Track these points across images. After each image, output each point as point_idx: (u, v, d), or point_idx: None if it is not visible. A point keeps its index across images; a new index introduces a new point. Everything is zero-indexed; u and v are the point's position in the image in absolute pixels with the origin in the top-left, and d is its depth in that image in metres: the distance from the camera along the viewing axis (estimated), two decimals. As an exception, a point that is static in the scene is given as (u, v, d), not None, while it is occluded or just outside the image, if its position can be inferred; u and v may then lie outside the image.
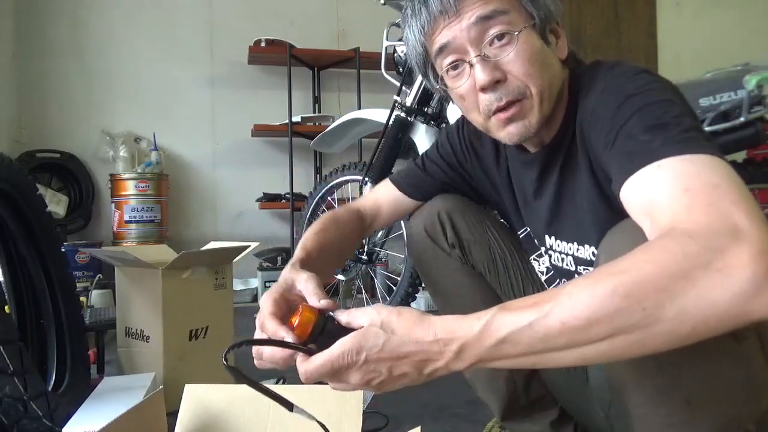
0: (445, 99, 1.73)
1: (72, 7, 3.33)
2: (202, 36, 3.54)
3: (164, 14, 3.48)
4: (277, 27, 3.53)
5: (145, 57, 3.43)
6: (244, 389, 0.62)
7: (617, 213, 0.66)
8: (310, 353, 0.61)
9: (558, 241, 0.89)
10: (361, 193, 2.04)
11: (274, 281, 2.60)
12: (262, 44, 3.36)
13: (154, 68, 3.44)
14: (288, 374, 0.71)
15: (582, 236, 0.85)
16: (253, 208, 3.44)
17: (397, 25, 1.79)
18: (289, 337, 0.62)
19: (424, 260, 1.03)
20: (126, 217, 3.12)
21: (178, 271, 1.44)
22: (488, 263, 1.00)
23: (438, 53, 0.79)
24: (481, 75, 0.75)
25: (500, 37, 0.75)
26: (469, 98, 0.79)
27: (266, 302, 0.68)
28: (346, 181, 2.33)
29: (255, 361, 0.67)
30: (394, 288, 2.21)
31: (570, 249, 0.87)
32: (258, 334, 0.67)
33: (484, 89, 0.76)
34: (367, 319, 0.59)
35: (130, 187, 3.12)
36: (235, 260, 1.63)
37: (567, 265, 0.89)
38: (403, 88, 2.04)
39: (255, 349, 0.66)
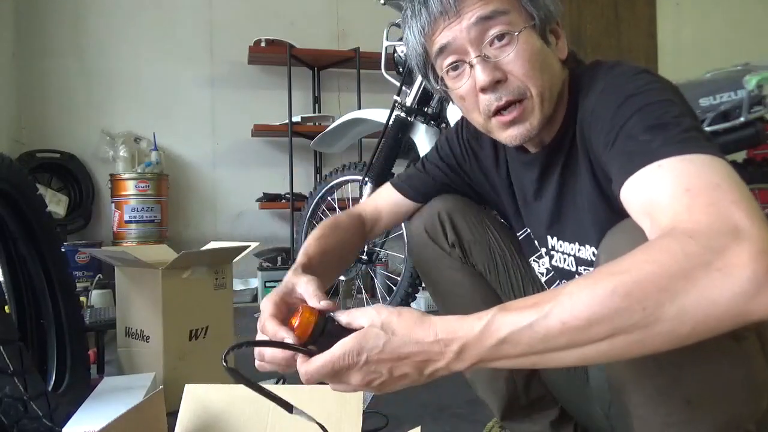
0: (445, 99, 1.74)
1: (72, 7, 3.34)
2: (202, 36, 3.54)
3: (164, 14, 3.48)
4: (277, 27, 3.53)
5: (145, 57, 3.43)
6: (245, 389, 0.62)
7: (617, 213, 0.66)
8: (310, 354, 0.61)
9: (560, 242, 0.89)
10: (361, 193, 2.04)
11: (274, 281, 2.62)
12: (262, 44, 3.36)
13: (154, 68, 3.44)
14: (287, 375, 0.71)
15: (582, 236, 0.85)
16: (253, 208, 3.45)
17: (397, 25, 1.80)
18: (289, 338, 0.62)
19: (424, 260, 1.03)
20: (126, 217, 3.12)
21: (178, 271, 1.44)
22: (488, 263, 1.00)
23: (438, 54, 0.79)
24: (481, 75, 0.75)
25: (500, 37, 0.75)
26: (469, 99, 0.79)
27: (267, 305, 0.68)
28: (346, 181, 2.33)
29: (256, 363, 0.67)
30: (394, 288, 2.21)
31: (572, 249, 0.87)
32: (259, 337, 0.67)
33: (484, 90, 0.76)
34: (367, 320, 0.59)
35: (130, 187, 3.12)
36: (235, 260, 1.63)
37: (568, 265, 0.89)
38: (403, 88, 2.04)
39: (257, 350, 0.66)
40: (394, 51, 2.06)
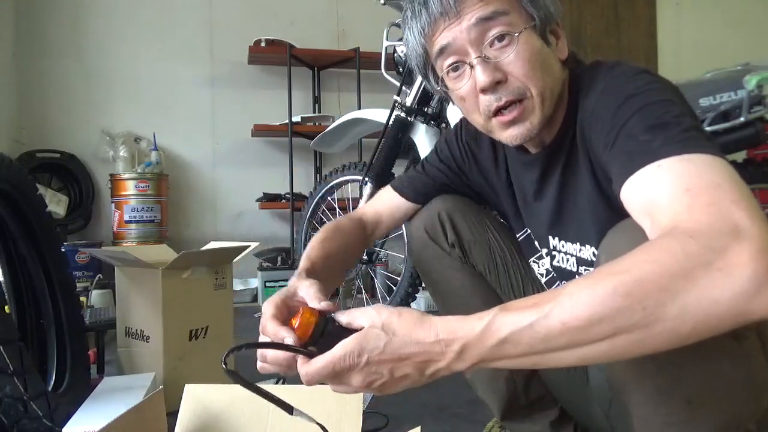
0: (445, 99, 1.74)
1: (72, 7, 3.34)
2: (202, 36, 3.54)
3: (164, 14, 3.48)
4: (277, 27, 3.53)
5: (145, 57, 3.43)
6: (245, 389, 0.62)
7: (617, 213, 0.66)
8: (310, 356, 0.60)
9: (562, 242, 0.89)
10: (360, 193, 2.04)
11: (274, 281, 2.61)
12: (262, 44, 3.36)
13: (154, 68, 3.45)
14: (288, 376, 0.71)
15: (583, 236, 0.85)
16: (253, 208, 3.45)
17: (397, 25, 1.80)
18: (290, 338, 0.62)
19: (424, 260, 1.03)
20: (126, 217, 3.12)
21: (178, 271, 1.44)
22: (488, 263, 1.00)
23: (438, 55, 0.79)
24: (481, 76, 0.75)
25: (500, 38, 0.75)
26: (469, 99, 0.80)
27: (268, 306, 0.69)
28: (346, 181, 2.33)
29: (258, 365, 0.67)
30: (394, 288, 2.21)
31: (574, 249, 0.87)
32: (261, 339, 0.67)
33: (484, 90, 0.76)
34: (367, 320, 0.59)
35: (130, 187, 3.12)
36: (235, 260, 1.63)
37: (570, 266, 0.89)
38: (403, 88, 2.04)
39: (259, 352, 0.66)
40: (394, 51, 2.06)
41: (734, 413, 0.61)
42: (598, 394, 0.91)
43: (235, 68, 3.57)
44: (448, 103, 1.95)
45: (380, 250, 2.44)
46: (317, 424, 0.68)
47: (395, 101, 2.02)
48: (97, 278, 2.51)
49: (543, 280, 0.98)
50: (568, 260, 0.89)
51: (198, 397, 0.97)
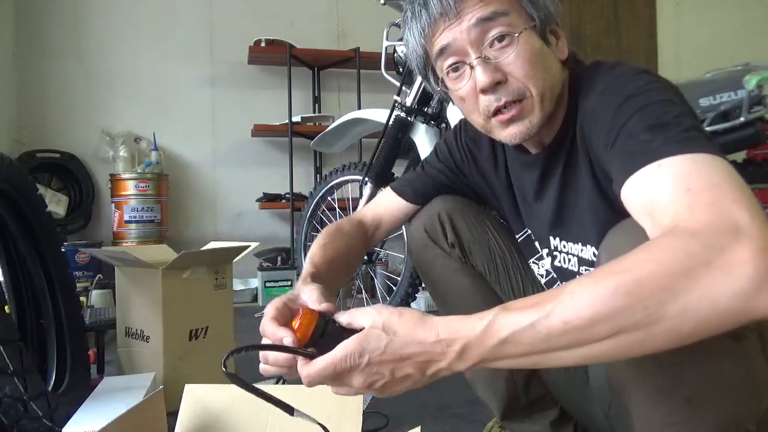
0: (445, 99, 1.74)
1: (72, 7, 3.34)
2: (202, 36, 3.54)
3: (164, 14, 3.48)
4: (277, 27, 3.53)
5: (144, 57, 3.43)
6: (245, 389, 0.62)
7: (618, 213, 0.66)
8: (310, 357, 0.61)
9: (563, 242, 0.89)
10: (360, 193, 2.04)
11: (274, 281, 2.61)
12: (262, 44, 3.37)
13: (154, 68, 3.45)
14: (290, 377, 0.71)
15: (584, 236, 0.85)
16: (253, 208, 3.45)
17: (397, 25, 1.80)
18: (289, 339, 0.62)
19: (424, 260, 1.03)
20: (126, 217, 3.12)
21: (178, 271, 1.44)
22: (488, 263, 1.00)
23: (438, 55, 0.79)
24: (481, 77, 0.75)
25: (500, 38, 0.75)
26: (469, 100, 0.80)
27: (269, 308, 0.69)
28: (346, 181, 2.33)
29: (260, 367, 0.67)
30: (394, 288, 2.21)
31: (575, 249, 0.87)
32: (263, 341, 0.67)
33: (484, 91, 0.76)
34: (368, 320, 0.59)
35: (130, 187, 3.12)
36: (235, 260, 1.63)
37: (572, 266, 0.89)
38: (403, 88, 2.04)
39: (261, 354, 0.66)
40: (394, 51, 2.06)
41: (734, 413, 0.61)
42: (598, 394, 0.91)
43: (235, 68, 3.57)
44: (448, 104, 1.95)
45: (380, 250, 2.44)
46: (318, 424, 0.68)
47: (395, 101, 2.02)
48: (97, 278, 2.51)
49: (543, 280, 0.98)
50: (569, 260, 0.89)
51: (198, 397, 0.97)
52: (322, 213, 2.49)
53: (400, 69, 2.06)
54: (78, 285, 2.05)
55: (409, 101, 1.99)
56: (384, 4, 1.93)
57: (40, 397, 1.07)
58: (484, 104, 0.78)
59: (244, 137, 3.53)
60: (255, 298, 3.20)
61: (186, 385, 0.99)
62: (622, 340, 0.49)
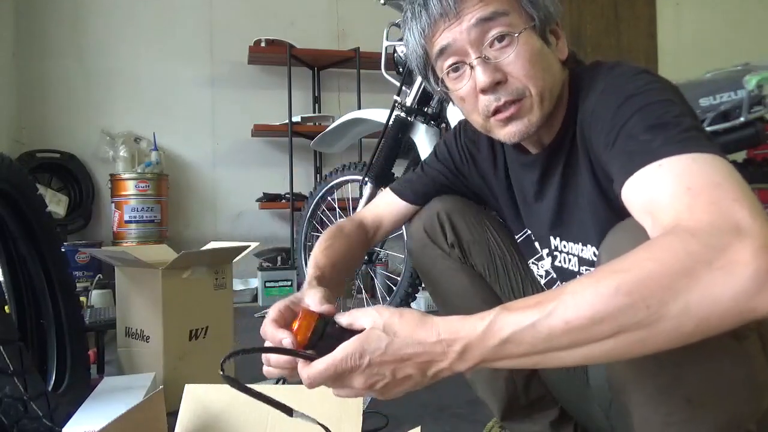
0: (445, 99, 1.74)
1: (72, 7, 3.34)
2: (202, 36, 3.54)
3: (164, 14, 3.48)
4: (277, 27, 3.53)
5: (144, 57, 3.43)
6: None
7: (618, 213, 0.66)
8: (309, 359, 0.61)
9: (564, 242, 0.89)
10: (360, 193, 2.04)
11: (274, 281, 2.61)
12: (262, 44, 3.37)
13: (154, 68, 3.45)
14: (291, 378, 0.71)
15: (584, 236, 0.85)
16: (253, 208, 3.45)
17: (397, 25, 1.80)
18: (289, 340, 0.62)
19: (423, 261, 1.03)
20: (126, 217, 3.12)
21: (178, 271, 1.44)
22: (488, 263, 1.00)
23: (438, 55, 0.80)
24: (481, 77, 0.75)
25: (500, 38, 0.75)
26: (469, 100, 0.80)
27: (271, 310, 0.69)
28: (346, 181, 2.33)
29: (264, 369, 0.67)
30: (394, 288, 2.21)
31: (576, 249, 0.87)
32: (266, 343, 0.67)
33: (484, 90, 0.76)
34: (368, 321, 0.59)
35: (130, 187, 3.12)
36: (235, 260, 1.63)
37: (572, 266, 0.89)
38: (403, 88, 2.04)
39: (264, 357, 0.66)
40: (394, 51, 2.06)
41: (735, 413, 0.61)
42: (598, 394, 0.91)
43: (235, 68, 3.57)
44: (448, 104, 1.95)
45: (380, 250, 2.44)
46: (319, 424, 0.68)
47: (395, 101, 2.02)
48: (97, 278, 2.51)
49: (542, 281, 0.98)
50: (570, 260, 0.89)
51: (198, 397, 0.97)
52: (322, 213, 2.49)
53: (400, 69, 2.06)
54: (78, 285, 2.05)
55: (409, 101, 1.99)
56: (384, 4, 1.93)
57: (40, 397, 1.07)
58: (483, 104, 0.78)
59: (244, 137, 3.54)
60: (255, 298, 3.20)
61: (186, 385, 0.99)
62: (624, 339, 0.49)
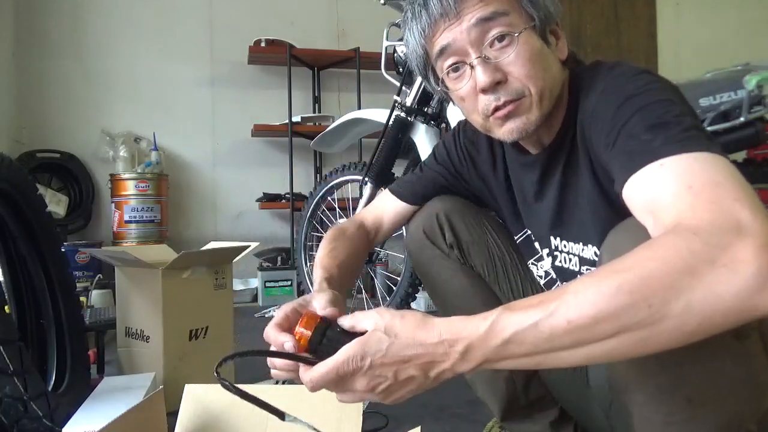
0: (445, 99, 1.74)
1: (72, 7, 3.34)
2: (202, 36, 3.54)
3: (164, 14, 3.48)
4: (277, 27, 3.53)
5: (145, 57, 3.44)
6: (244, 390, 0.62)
7: (618, 213, 0.66)
8: (309, 363, 0.61)
9: (564, 242, 0.89)
10: (360, 193, 2.04)
11: (274, 281, 2.61)
12: (262, 44, 3.37)
13: (154, 68, 3.45)
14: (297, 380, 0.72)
15: (585, 236, 0.85)
16: (253, 208, 3.45)
17: (397, 25, 1.80)
18: (290, 343, 0.63)
19: (422, 262, 1.03)
20: (126, 217, 3.12)
21: (178, 271, 1.44)
22: (487, 264, 1.00)
23: (438, 55, 0.80)
24: (481, 76, 0.75)
25: (501, 38, 0.75)
26: (469, 100, 0.80)
27: (277, 313, 0.69)
28: (346, 181, 2.33)
29: (272, 372, 0.67)
30: (394, 288, 2.21)
31: (576, 249, 0.87)
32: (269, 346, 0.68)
33: (484, 90, 0.76)
34: (370, 323, 0.60)
35: (130, 187, 3.12)
36: (235, 260, 1.63)
37: (573, 265, 0.89)
38: (403, 88, 2.04)
39: (269, 360, 0.66)
40: (394, 51, 2.06)
41: (735, 413, 0.61)
42: (598, 394, 0.91)
43: (235, 68, 3.57)
44: (448, 104, 1.95)
45: (380, 250, 2.45)
46: (313, 429, 0.68)
47: (395, 101, 2.02)
48: (97, 278, 2.51)
49: (542, 282, 0.98)
50: (570, 260, 0.89)
51: (198, 397, 0.97)
52: (322, 213, 2.49)
53: (400, 69, 2.06)
54: (78, 285, 2.05)
55: (409, 101, 1.99)
56: (384, 4, 1.93)
57: (40, 397, 1.07)
58: (483, 104, 0.78)
59: (244, 137, 3.54)
60: (255, 298, 3.20)
61: (186, 385, 0.99)
62: (626, 339, 0.49)
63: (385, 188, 1.13)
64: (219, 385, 0.61)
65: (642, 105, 0.65)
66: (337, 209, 2.45)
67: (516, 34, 0.75)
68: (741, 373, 0.60)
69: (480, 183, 1.01)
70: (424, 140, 2.04)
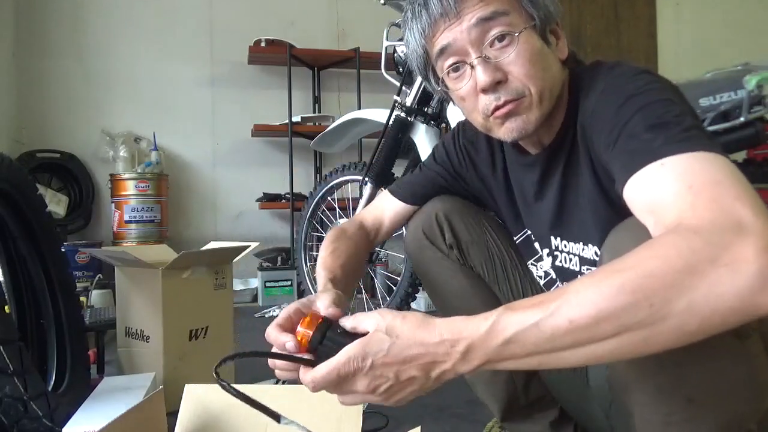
0: (446, 99, 1.74)
1: (72, 7, 3.34)
2: (202, 36, 3.54)
3: (164, 14, 3.48)
4: (277, 27, 3.53)
5: (145, 57, 3.44)
6: (244, 391, 0.62)
7: (619, 212, 0.66)
8: (310, 364, 0.61)
9: (564, 242, 0.89)
10: (360, 193, 2.04)
11: (274, 281, 2.62)
12: (262, 44, 3.37)
13: (154, 68, 3.45)
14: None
15: (585, 236, 0.85)
16: (253, 208, 3.45)
17: (397, 25, 1.80)
18: (292, 344, 0.63)
19: (422, 262, 1.03)
20: (126, 217, 3.12)
21: (178, 271, 1.44)
22: (486, 264, 1.00)
23: (439, 55, 0.80)
24: (482, 76, 0.75)
25: (501, 38, 0.75)
26: (469, 99, 0.80)
27: (280, 314, 0.69)
28: (346, 181, 2.33)
29: (276, 372, 0.67)
30: (394, 288, 2.21)
31: (577, 249, 0.87)
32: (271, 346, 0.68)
33: (485, 90, 0.76)
34: (372, 324, 0.60)
35: (130, 187, 3.12)
36: (235, 260, 1.63)
37: (573, 265, 0.89)
38: (403, 88, 2.04)
39: (270, 360, 0.66)
40: (394, 51, 2.06)
41: (736, 413, 0.61)
42: (598, 394, 0.91)
43: (235, 68, 3.57)
44: (448, 103, 1.95)
45: (380, 250, 2.44)
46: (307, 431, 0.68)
47: (395, 101, 2.02)
48: (97, 278, 2.51)
49: (542, 282, 0.98)
50: (570, 260, 0.89)
51: (198, 397, 0.97)
52: (322, 213, 2.49)
53: (400, 69, 2.06)
54: (78, 285, 2.05)
55: (409, 101, 1.99)
56: (384, 4, 1.93)
57: (40, 397, 1.07)
58: (483, 103, 0.78)
59: (244, 137, 3.54)
60: (255, 298, 3.20)
61: (186, 385, 0.99)
62: (628, 338, 0.49)
63: (385, 188, 1.13)
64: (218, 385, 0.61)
65: (642, 105, 0.65)
66: (337, 209, 2.45)
67: (516, 34, 0.75)
68: (741, 373, 0.60)
69: (479, 183, 1.01)
70: (424, 140, 2.03)
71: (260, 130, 3.42)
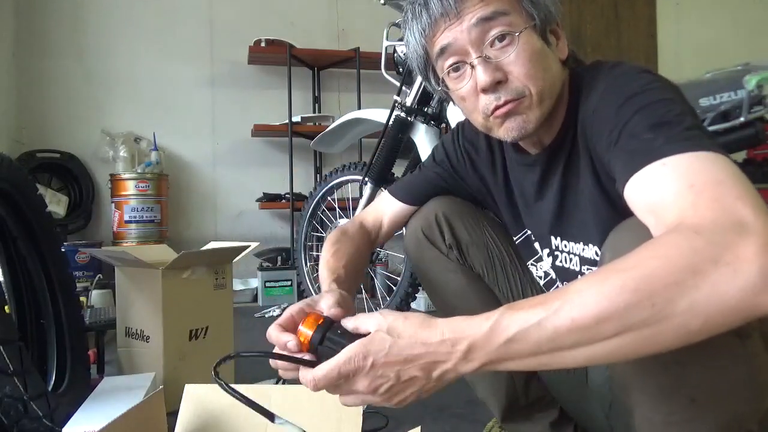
0: (446, 99, 1.74)
1: (72, 7, 3.34)
2: (202, 36, 3.54)
3: (164, 14, 3.48)
4: (277, 27, 3.53)
5: (145, 57, 3.43)
6: (244, 390, 0.63)
7: (619, 212, 0.66)
8: (310, 364, 0.61)
9: (564, 242, 0.89)
10: (360, 193, 2.04)
11: (274, 281, 2.62)
12: (262, 44, 3.37)
13: (154, 68, 3.45)
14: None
15: (585, 236, 0.85)
16: (253, 208, 3.45)
17: (397, 25, 1.80)
18: (293, 343, 0.63)
19: (421, 262, 1.03)
20: (126, 217, 3.12)
21: (178, 271, 1.44)
22: (486, 264, 1.00)
23: (439, 55, 0.80)
24: (482, 76, 0.75)
25: (501, 38, 0.75)
26: (470, 99, 0.80)
27: (282, 314, 0.69)
28: (346, 181, 2.33)
29: (280, 371, 0.67)
30: (394, 288, 2.21)
31: (577, 249, 0.87)
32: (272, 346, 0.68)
33: (485, 90, 0.76)
34: (373, 324, 0.60)
35: (130, 187, 3.12)
36: (235, 260, 1.63)
37: (574, 265, 0.89)
38: (403, 88, 2.04)
39: (271, 360, 0.66)
40: (394, 51, 2.06)
41: (736, 412, 0.61)
42: (598, 394, 0.91)
43: (235, 68, 3.57)
44: (448, 103, 1.95)
45: (380, 251, 2.44)
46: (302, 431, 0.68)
47: (395, 101, 2.02)
48: (97, 278, 2.51)
49: (541, 282, 0.98)
50: (571, 260, 0.89)
51: (198, 397, 0.97)
52: (322, 213, 2.49)
53: (400, 69, 2.06)
54: (78, 285, 2.05)
55: (409, 101, 1.99)
56: (384, 4, 1.93)
57: (40, 397, 1.07)
58: (484, 103, 0.78)
59: (244, 137, 3.53)
60: (255, 298, 3.20)
61: (186, 385, 0.99)
62: (629, 338, 0.49)
63: (385, 188, 1.13)
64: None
65: (643, 104, 0.65)
66: (337, 209, 2.45)
67: (516, 34, 0.75)
68: (742, 373, 0.60)
69: (479, 184, 1.01)
70: (424, 140, 2.03)
71: (260, 130, 3.41)
